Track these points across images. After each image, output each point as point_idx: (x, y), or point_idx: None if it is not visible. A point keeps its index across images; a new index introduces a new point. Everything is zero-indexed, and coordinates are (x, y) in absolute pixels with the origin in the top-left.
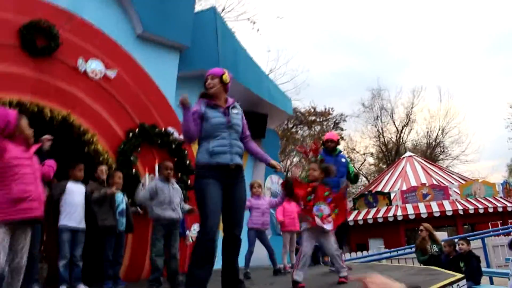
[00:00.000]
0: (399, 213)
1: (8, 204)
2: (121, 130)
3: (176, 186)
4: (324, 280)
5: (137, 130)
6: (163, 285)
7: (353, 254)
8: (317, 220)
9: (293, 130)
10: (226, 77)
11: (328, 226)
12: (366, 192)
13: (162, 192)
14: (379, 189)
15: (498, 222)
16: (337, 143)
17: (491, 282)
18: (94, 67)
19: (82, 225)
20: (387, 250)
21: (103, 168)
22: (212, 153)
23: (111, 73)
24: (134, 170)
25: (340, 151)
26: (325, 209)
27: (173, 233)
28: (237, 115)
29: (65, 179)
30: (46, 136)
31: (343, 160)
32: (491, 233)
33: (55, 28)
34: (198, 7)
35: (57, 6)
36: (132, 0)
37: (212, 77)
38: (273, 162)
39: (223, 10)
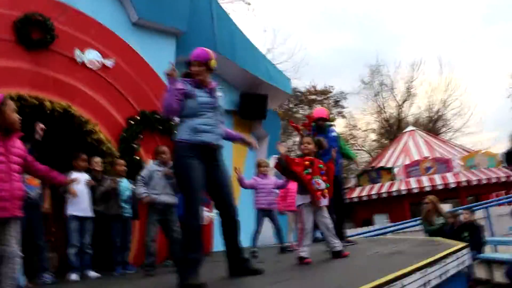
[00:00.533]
0: (403, 187)
1: None
2: (122, 118)
3: None
4: (327, 255)
5: (137, 117)
6: (157, 269)
7: (359, 230)
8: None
9: (294, 109)
10: (213, 63)
11: (325, 201)
12: (370, 168)
13: (157, 177)
14: (382, 164)
15: (503, 192)
16: (328, 119)
17: (496, 251)
18: (92, 57)
19: (89, 213)
20: (392, 224)
21: (98, 159)
22: (196, 130)
23: (109, 62)
24: (137, 157)
25: (330, 126)
26: (322, 183)
27: (170, 218)
28: (221, 98)
29: (69, 170)
30: (40, 125)
31: (334, 134)
32: (495, 202)
33: (50, 21)
34: None
35: None
36: None
37: (198, 63)
38: (249, 140)
39: None
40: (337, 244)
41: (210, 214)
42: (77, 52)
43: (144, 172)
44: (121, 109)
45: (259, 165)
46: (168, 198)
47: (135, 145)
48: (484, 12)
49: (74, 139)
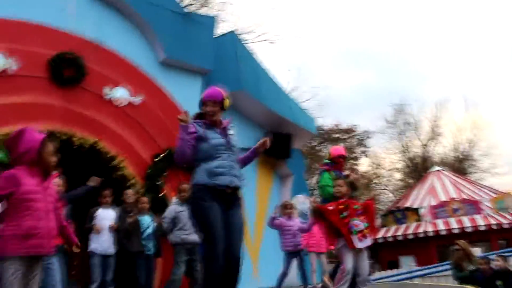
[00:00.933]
0: (430, 229)
1: (18, 239)
2: (147, 155)
3: None
4: None
5: (163, 154)
6: None
7: (384, 273)
8: (354, 240)
9: (318, 148)
10: (227, 102)
11: (366, 242)
12: (395, 209)
13: (183, 216)
14: (407, 205)
15: None
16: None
17: None
18: (120, 95)
19: (112, 249)
20: (418, 268)
21: (130, 191)
22: (212, 173)
23: (137, 100)
24: (161, 194)
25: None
26: (360, 224)
27: (195, 257)
28: (234, 136)
29: (96, 205)
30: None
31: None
32: None
33: (81, 59)
34: (218, 31)
35: (83, 37)
36: (154, 28)
37: (214, 102)
38: (261, 142)
39: (241, 33)
40: None
41: None
42: (106, 90)
43: (169, 211)
44: (147, 147)
45: (284, 207)
46: (196, 237)
47: (159, 182)
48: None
49: (100, 175)
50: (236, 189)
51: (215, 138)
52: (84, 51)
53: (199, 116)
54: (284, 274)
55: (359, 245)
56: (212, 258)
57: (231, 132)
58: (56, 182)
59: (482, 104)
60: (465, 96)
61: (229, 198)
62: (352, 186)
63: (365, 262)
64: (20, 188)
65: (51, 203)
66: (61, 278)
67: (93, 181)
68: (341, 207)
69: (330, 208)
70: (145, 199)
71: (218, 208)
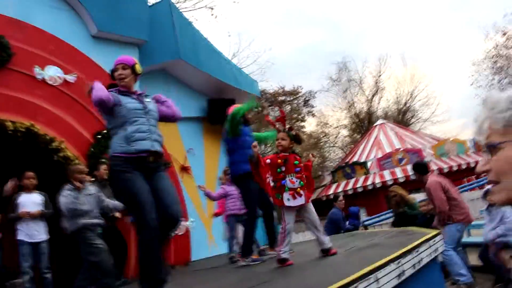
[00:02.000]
0: (377, 180)
1: None
2: (89, 134)
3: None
4: (310, 255)
5: (104, 131)
6: None
7: None
8: (285, 197)
9: (265, 112)
10: (138, 66)
11: (299, 201)
12: (344, 164)
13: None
14: (355, 159)
15: (473, 177)
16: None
17: (469, 235)
18: (52, 73)
19: (43, 235)
20: (368, 218)
21: (104, 166)
22: (130, 139)
23: (71, 78)
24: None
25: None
26: (296, 181)
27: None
28: (150, 102)
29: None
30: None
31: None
32: (467, 187)
33: (5, 38)
34: (152, 0)
35: (5, 16)
36: (82, 1)
37: (123, 66)
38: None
39: (178, 1)
40: (326, 241)
41: (186, 223)
42: (37, 69)
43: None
44: (87, 125)
45: (224, 172)
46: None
47: (104, 160)
48: (445, 0)
49: (40, 158)
50: (157, 155)
51: (130, 102)
52: (7, 30)
53: (111, 86)
54: (232, 238)
55: (288, 203)
56: (143, 226)
57: (147, 99)
58: None
59: (420, 57)
60: (404, 51)
61: (151, 166)
62: (296, 139)
63: (313, 214)
64: None
65: None
66: None
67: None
68: (279, 161)
69: (268, 161)
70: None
71: (141, 176)
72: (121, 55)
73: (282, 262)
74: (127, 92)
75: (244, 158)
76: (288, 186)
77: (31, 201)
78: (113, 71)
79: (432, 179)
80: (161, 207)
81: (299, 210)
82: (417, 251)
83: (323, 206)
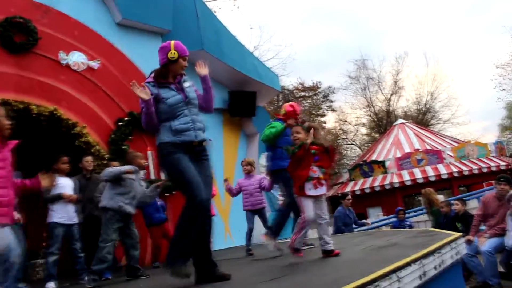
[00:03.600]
0: (395, 180)
1: None
2: (110, 120)
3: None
4: (311, 255)
5: (126, 118)
6: None
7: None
8: (306, 187)
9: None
10: (170, 53)
11: (320, 190)
12: (361, 162)
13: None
14: (373, 158)
15: (493, 181)
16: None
17: None
18: (76, 59)
19: (75, 219)
20: (386, 217)
21: (89, 158)
22: (176, 131)
23: (94, 64)
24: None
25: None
26: (318, 169)
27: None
28: (189, 87)
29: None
30: None
31: None
32: (486, 192)
33: (32, 23)
34: None
35: (32, 1)
36: None
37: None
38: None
39: None
40: (330, 242)
41: None
42: (61, 54)
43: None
44: (109, 111)
45: (242, 164)
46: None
47: (124, 147)
48: (468, 3)
49: (62, 143)
50: (202, 142)
51: (171, 96)
52: (34, 15)
53: (159, 74)
54: (250, 230)
55: (312, 192)
56: (189, 201)
57: (186, 84)
58: None
59: (441, 57)
60: (425, 50)
61: (197, 151)
62: (311, 130)
63: (325, 212)
64: None
65: (11, 171)
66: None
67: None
68: (299, 153)
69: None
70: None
71: (188, 159)
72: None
73: (295, 251)
74: (166, 84)
75: (284, 154)
76: (310, 175)
77: (68, 185)
78: (178, 59)
79: None
80: None
81: (314, 202)
82: (440, 253)
83: (338, 203)
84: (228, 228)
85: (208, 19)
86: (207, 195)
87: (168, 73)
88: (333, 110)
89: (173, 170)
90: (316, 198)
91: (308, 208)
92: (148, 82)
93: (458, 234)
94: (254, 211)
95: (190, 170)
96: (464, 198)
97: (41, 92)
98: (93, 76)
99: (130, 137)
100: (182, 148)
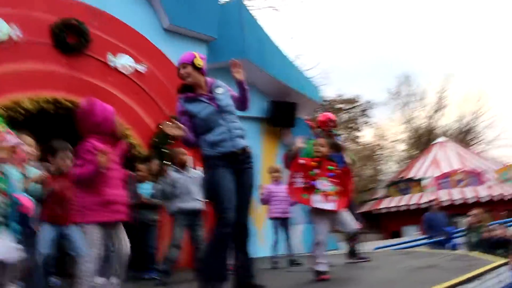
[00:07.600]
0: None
1: (99, 206)
2: (153, 123)
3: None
4: (369, 267)
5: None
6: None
7: (387, 242)
8: (313, 199)
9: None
10: (198, 60)
11: (327, 205)
12: (398, 179)
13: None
14: (411, 175)
15: None
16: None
17: None
18: (124, 61)
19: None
20: (423, 236)
21: (156, 162)
22: (214, 144)
23: (141, 68)
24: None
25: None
26: (328, 185)
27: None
28: (223, 94)
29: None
30: None
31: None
32: None
33: (85, 25)
34: None
35: (85, 4)
36: None
37: (183, 65)
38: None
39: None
40: (323, 262)
41: None
42: (110, 57)
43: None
44: (152, 114)
45: (269, 171)
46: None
47: (166, 150)
48: None
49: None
50: (244, 149)
51: (203, 109)
52: (87, 17)
53: (181, 90)
54: (275, 242)
55: (317, 204)
56: (223, 223)
57: (219, 91)
58: (28, 142)
59: (487, 76)
60: (471, 68)
61: (239, 159)
62: (335, 147)
63: (347, 219)
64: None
65: (120, 171)
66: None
67: None
68: (313, 163)
69: (302, 161)
70: (142, 167)
71: (229, 172)
72: (184, 53)
73: (318, 274)
74: (196, 97)
75: None
76: (319, 188)
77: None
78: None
79: None
80: (237, 211)
81: (333, 221)
82: (484, 279)
83: (373, 219)
84: (262, 239)
85: (253, 28)
86: (242, 218)
87: (187, 87)
88: (370, 126)
89: (211, 186)
90: (329, 214)
91: (320, 230)
92: (181, 97)
93: (502, 260)
94: (282, 220)
95: (225, 188)
96: (507, 224)
97: (89, 93)
98: (139, 80)
99: (172, 141)
100: (224, 160)
